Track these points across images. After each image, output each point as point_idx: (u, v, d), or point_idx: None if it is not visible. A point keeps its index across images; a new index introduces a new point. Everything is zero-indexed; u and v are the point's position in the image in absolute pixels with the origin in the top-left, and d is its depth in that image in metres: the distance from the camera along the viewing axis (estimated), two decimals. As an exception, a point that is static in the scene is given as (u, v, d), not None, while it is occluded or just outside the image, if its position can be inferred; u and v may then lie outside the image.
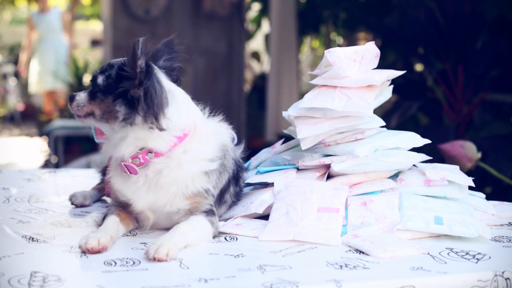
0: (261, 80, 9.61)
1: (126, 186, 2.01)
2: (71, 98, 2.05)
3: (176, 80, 2.10)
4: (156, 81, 1.89)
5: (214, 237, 2.01)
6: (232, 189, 2.20)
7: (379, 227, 2.00)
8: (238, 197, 2.26)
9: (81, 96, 2.03)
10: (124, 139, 1.94)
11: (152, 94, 1.86)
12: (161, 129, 1.89)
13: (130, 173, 1.98)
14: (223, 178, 2.11)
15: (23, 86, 15.35)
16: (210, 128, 2.08)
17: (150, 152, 1.94)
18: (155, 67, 1.98)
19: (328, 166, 2.24)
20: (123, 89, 1.89)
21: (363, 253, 1.85)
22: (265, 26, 9.43)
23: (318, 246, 1.91)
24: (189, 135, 1.98)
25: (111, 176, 2.10)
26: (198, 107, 2.12)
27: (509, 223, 2.23)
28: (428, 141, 2.30)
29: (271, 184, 2.26)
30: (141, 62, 1.85)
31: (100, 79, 1.96)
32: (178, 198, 1.99)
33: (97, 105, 1.96)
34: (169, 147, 1.94)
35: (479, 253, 1.85)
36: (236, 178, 2.22)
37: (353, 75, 2.24)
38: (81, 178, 3.03)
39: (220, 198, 2.14)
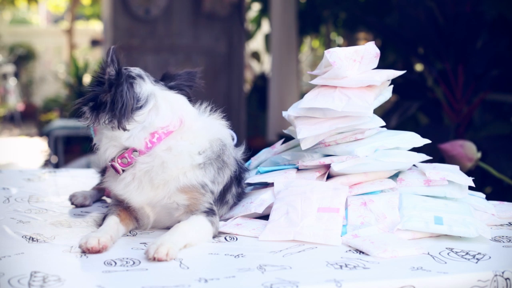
0: (261, 80, 9.61)
1: (117, 183, 2.05)
2: None
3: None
4: (125, 88, 1.96)
5: (214, 237, 2.01)
6: (234, 190, 2.20)
7: (379, 227, 2.00)
8: (240, 198, 2.26)
9: None
10: (101, 141, 2.03)
11: (118, 100, 1.94)
12: (124, 130, 1.95)
13: (117, 172, 2.02)
14: (224, 174, 2.11)
15: (23, 86, 15.34)
16: (200, 124, 2.09)
17: (135, 150, 1.98)
18: (130, 74, 2.02)
19: (328, 166, 2.24)
20: (94, 94, 1.97)
21: (363, 253, 1.85)
22: (265, 26, 9.43)
23: (318, 246, 1.91)
24: (174, 131, 2.01)
25: (106, 176, 2.15)
26: (194, 105, 2.14)
27: (509, 223, 2.23)
28: (428, 141, 2.30)
29: (271, 184, 2.25)
30: (110, 70, 1.94)
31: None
32: (172, 191, 2.01)
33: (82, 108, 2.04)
34: (145, 144, 1.98)
35: (479, 253, 1.85)
36: (238, 179, 2.22)
37: (353, 75, 2.24)
38: (81, 178, 3.03)
39: (221, 198, 2.15)
